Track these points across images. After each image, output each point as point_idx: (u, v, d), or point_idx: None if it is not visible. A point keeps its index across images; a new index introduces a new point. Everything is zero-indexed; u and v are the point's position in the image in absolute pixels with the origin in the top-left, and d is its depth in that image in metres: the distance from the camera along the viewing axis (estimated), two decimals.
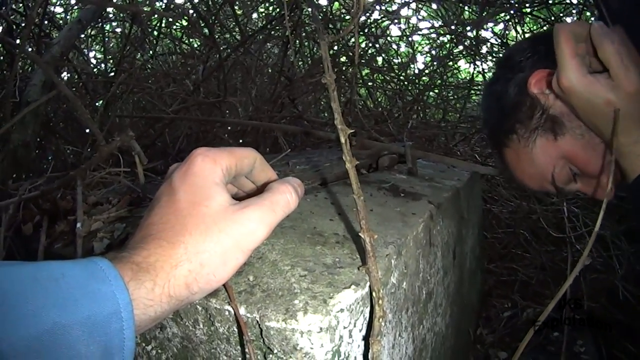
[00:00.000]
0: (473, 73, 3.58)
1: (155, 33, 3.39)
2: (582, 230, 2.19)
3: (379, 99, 3.82)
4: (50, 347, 0.51)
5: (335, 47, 3.14)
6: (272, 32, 3.20)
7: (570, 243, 2.08)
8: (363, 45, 3.48)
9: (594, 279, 2.27)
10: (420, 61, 3.91)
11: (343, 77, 3.18)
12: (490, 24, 3.50)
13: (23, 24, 2.87)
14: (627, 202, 1.25)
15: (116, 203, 1.51)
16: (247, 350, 0.76)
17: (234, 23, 3.35)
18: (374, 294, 0.78)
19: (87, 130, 2.87)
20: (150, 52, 3.47)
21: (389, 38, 3.78)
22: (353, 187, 0.78)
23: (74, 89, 3.04)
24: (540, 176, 1.29)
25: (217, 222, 0.64)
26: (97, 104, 2.90)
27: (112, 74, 3.22)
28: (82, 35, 3.53)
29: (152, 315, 0.60)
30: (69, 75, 3.31)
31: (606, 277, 2.21)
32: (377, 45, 3.53)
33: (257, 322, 0.74)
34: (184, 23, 3.58)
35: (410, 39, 3.79)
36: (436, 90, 3.73)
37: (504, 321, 2.30)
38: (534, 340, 2.17)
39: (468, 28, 3.42)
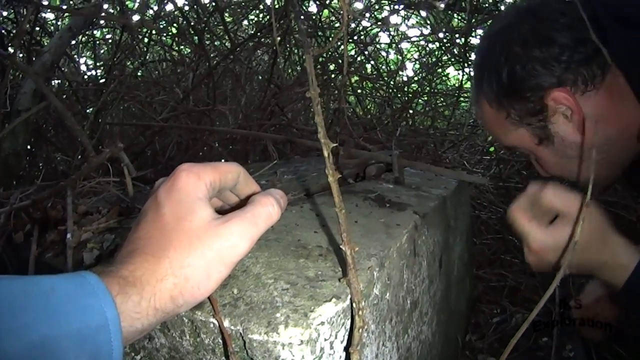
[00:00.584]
0: (462, 80, 3.60)
1: (146, 40, 3.40)
2: None
3: (368, 107, 3.83)
4: (41, 359, 0.53)
5: (325, 55, 3.15)
6: (262, 40, 3.22)
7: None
8: (352, 52, 3.50)
9: (584, 283, 2.28)
10: (410, 68, 3.93)
11: (332, 84, 3.19)
12: (479, 31, 3.53)
13: (14, 32, 2.87)
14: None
15: (106, 213, 1.52)
16: None
17: (223, 31, 3.37)
18: (354, 305, 0.79)
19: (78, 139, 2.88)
20: (141, 59, 3.48)
21: (378, 45, 3.80)
22: (335, 200, 0.79)
23: (65, 96, 3.04)
24: (504, 140, 1.42)
25: (200, 236, 0.66)
26: (87, 111, 2.91)
27: (103, 81, 3.23)
28: (73, 42, 3.54)
29: (139, 327, 0.62)
30: (59, 82, 3.31)
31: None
32: (366, 53, 3.55)
33: (241, 334, 0.76)
34: (174, 31, 3.59)
35: (399, 46, 3.81)
36: (425, 98, 3.74)
37: (493, 327, 2.31)
38: (523, 346, 2.18)
39: (457, 35, 3.44)
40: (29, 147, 2.70)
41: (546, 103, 1.23)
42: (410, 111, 3.49)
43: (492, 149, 3.42)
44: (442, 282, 1.58)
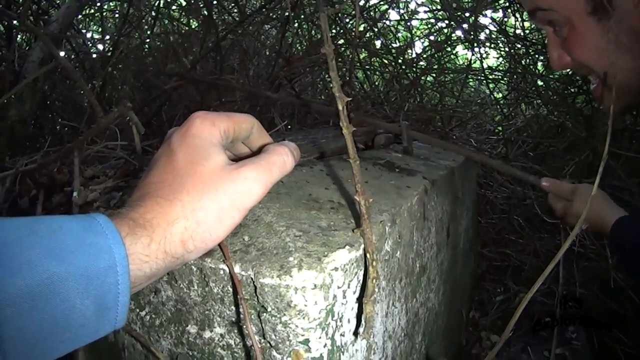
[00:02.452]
0: (470, 59, 3.58)
1: (153, 13, 3.39)
2: None
3: (377, 83, 3.81)
4: (45, 298, 0.52)
5: (334, 30, 3.14)
6: (271, 14, 3.20)
7: (564, 229, 2.09)
8: (361, 28, 3.48)
9: (586, 267, 2.28)
10: (418, 46, 3.91)
11: (340, 60, 3.18)
12: (489, 11, 3.51)
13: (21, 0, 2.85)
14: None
15: (112, 174, 1.51)
16: (241, 309, 0.77)
17: (233, 4, 3.35)
18: (368, 255, 0.78)
19: (85, 104, 2.88)
20: (148, 32, 3.46)
21: (387, 22, 3.78)
22: (349, 151, 0.78)
23: (73, 76, 3.03)
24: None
25: (214, 180, 0.65)
26: (94, 82, 2.89)
27: (110, 53, 3.21)
28: (80, 16, 3.53)
29: (147, 272, 0.61)
30: (66, 55, 3.30)
31: (598, 265, 2.22)
32: (376, 29, 3.53)
33: (252, 279, 0.75)
34: (183, 3, 3.58)
35: (408, 23, 3.79)
36: (433, 75, 3.72)
37: (496, 305, 2.31)
38: (526, 325, 2.18)
39: (467, 14, 3.42)
40: (35, 117, 2.69)
41: None
42: (419, 88, 3.47)
43: (499, 128, 3.41)
44: (449, 252, 1.57)
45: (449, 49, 3.80)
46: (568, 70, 1.48)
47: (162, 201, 0.63)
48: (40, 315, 0.52)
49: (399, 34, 3.95)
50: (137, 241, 0.59)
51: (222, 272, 0.80)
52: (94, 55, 3.38)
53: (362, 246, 0.82)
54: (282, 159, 0.71)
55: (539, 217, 2.42)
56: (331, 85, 0.78)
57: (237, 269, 0.77)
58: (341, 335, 0.81)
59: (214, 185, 0.64)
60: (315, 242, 0.81)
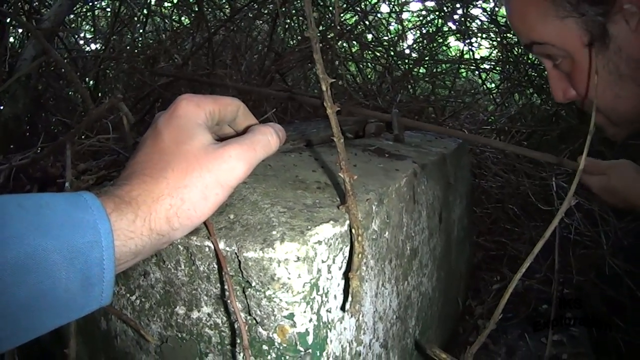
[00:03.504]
0: (462, 50, 3.59)
1: (145, 11, 3.39)
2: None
3: (369, 76, 3.82)
4: (30, 272, 0.52)
5: (323, 24, 3.14)
6: (262, 9, 3.20)
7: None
8: (352, 21, 3.49)
9: (583, 254, 2.28)
10: (410, 38, 3.91)
11: (330, 52, 3.18)
12: (480, 1, 3.52)
13: None
14: None
15: (104, 166, 1.52)
16: (226, 286, 0.77)
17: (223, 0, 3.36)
18: (353, 230, 0.79)
19: (79, 103, 2.88)
20: (140, 30, 3.47)
21: (378, 15, 3.78)
22: (333, 130, 0.78)
23: (64, 70, 3.03)
24: (535, 31, 1.05)
25: (199, 159, 0.66)
26: (86, 80, 2.90)
27: (102, 51, 3.22)
28: (72, 15, 3.53)
29: (133, 248, 0.61)
30: (58, 53, 3.30)
31: (595, 252, 2.22)
32: (367, 22, 3.53)
33: (236, 254, 0.75)
34: (174, 0, 3.58)
35: (400, 16, 3.79)
36: (426, 66, 3.72)
37: (493, 293, 2.31)
38: (523, 312, 2.19)
39: (457, 5, 3.42)
40: (28, 116, 2.70)
41: None
42: (411, 80, 3.48)
43: (492, 118, 3.41)
44: (442, 238, 1.57)
45: (440, 40, 3.81)
46: None
47: (147, 179, 0.64)
48: (26, 289, 0.52)
49: (391, 27, 3.95)
50: (122, 217, 0.60)
51: (207, 249, 0.80)
52: (87, 55, 3.39)
53: (347, 222, 0.82)
54: (266, 138, 0.72)
55: (533, 205, 2.43)
56: (315, 68, 0.78)
57: (221, 245, 0.77)
58: (327, 311, 0.82)
59: (199, 164, 0.65)
60: (299, 218, 0.81)
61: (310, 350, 0.78)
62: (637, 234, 2.17)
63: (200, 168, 0.65)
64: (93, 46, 3.68)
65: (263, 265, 0.73)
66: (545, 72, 1.12)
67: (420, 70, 3.71)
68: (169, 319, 0.91)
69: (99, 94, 3.08)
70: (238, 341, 0.82)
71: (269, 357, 0.79)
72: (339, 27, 3.11)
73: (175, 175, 0.64)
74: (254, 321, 0.78)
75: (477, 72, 3.71)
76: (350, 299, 0.76)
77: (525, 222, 2.61)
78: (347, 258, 0.84)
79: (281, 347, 0.77)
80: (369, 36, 3.70)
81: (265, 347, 0.79)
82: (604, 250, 2.09)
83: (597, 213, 2.23)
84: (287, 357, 0.78)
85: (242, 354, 0.81)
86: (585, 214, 2.28)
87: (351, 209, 0.79)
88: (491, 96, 3.64)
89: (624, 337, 1.79)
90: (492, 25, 3.53)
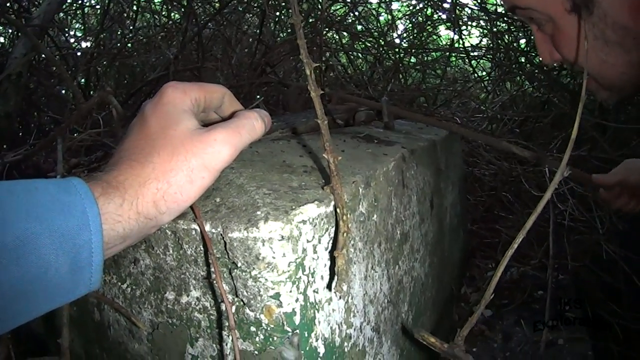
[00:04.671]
0: (453, 38, 3.59)
1: (135, 7, 3.39)
2: (563, 188, 2.20)
3: (360, 67, 3.82)
4: (20, 255, 0.53)
5: (313, 15, 3.14)
6: (252, 2, 3.21)
7: (552, 203, 2.10)
8: (342, 12, 3.49)
9: (578, 240, 2.29)
10: (400, 28, 3.92)
11: (319, 43, 3.19)
12: None
13: None
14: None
15: (94, 160, 1.52)
16: (212, 268, 0.77)
17: None
18: (338, 210, 0.79)
19: (70, 98, 2.88)
20: (130, 27, 3.47)
21: (368, 5, 3.78)
22: (317, 112, 0.79)
23: (54, 66, 3.03)
24: None
25: (185, 143, 0.67)
26: (76, 77, 2.89)
27: (92, 48, 3.22)
28: (62, 14, 3.53)
29: (121, 232, 0.62)
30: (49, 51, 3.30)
31: (590, 237, 2.22)
32: (357, 13, 3.54)
33: (221, 235, 0.76)
34: None
35: (389, 5, 3.79)
36: (416, 55, 3.72)
37: (488, 281, 2.32)
38: (518, 298, 2.20)
39: None
40: (20, 115, 2.70)
41: None
42: (402, 71, 3.48)
43: (484, 106, 3.42)
44: (434, 224, 1.58)
45: (430, 29, 3.81)
46: None
47: (134, 164, 0.65)
48: (16, 273, 0.53)
49: (381, 17, 3.95)
50: (110, 201, 0.61)
51: (194, 232, 0.80)
52: (78, 54, 3.39)
53: (333, 203, 0.83)
54: (251, 123, 0.74)
55: (527, 193, 2.43)
56: (300, 53, 0.78)
57: (207, 227, 0.78)
58: (315, 292, 0.82)
59: (185, 148, 0.66)
60: (284, 199, 0.82)
61: (298, 331, 0.78)
62: (631, 219, 2.17)
63: (186, 152, 0.66)
64: (83, 44, 3.68)
65: (248, 245, 0.73)
66: (537, 59, 1.11)
67: (411, 60, 3.72)
68: (160, 305, 0.91)
69: (90, 92, 3.09)
70: (226, 324, 0.82)
71: (256, 338, 0.79)
72: (328, 17, 3.11)
73: (161, 160, 0.65)
74: (241, 302, 0.78)
75: (467, 61, 3.71)
76: (336, 278, 0.76)
77: (519, 209, 2.62)
78: (333, 238, 0.85)
79: (268, 328, 0.78)
80: (359, 27, 3.71)
81: (253, 328, 0.79)
82: (599, 235, 2.10)
83: (591, 198, 2.23)
84: (275, 338, 0.78)
85: (230, 336, 0.82)
86: (580, 200, 2.29)
87: (336, 188, 0.79)
88: (482, 84, 3.64)
89: (619, 323, 1.80)
90: (482, 14, 3.53)
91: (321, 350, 0.85)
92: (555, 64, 1.14)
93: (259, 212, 0.76)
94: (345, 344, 0.94)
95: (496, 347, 1.97)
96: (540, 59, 1.12)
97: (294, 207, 0.78)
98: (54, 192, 0.58)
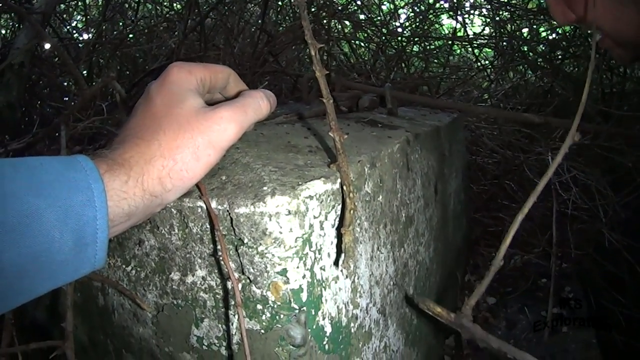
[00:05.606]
0: (455, 27, 3.57)
1: None
2: (566, 176, 2.20)
3: (363, 56, 3.81)
4: (25, 230, 0.53)
5: (315, 4, 3.13)
6: None
7: (556, 191, 2.10)
8: (344, 1, 3.49)
9: (581, 229, 2.28)
10: (403, 17, 3.90)
11: (323, 32, 3.18)
12: None
13: None
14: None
15: (98, 147, 1.52)
16: (218, 245, 0.77)
17: None
18: (344, 187, 0.79)
19: (72, 88, 2.88)
20: (132, 18, 3.47)
21: None
22: (322, 92, 0.79)
23: (56, 56, 3.03)
24: None
25: (190, 121, 0.67)
26: (79, 68, 2.89)
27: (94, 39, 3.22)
28: (63, 6, 3.53)
29: (126, 209, 0.62)
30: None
31: (593, 226, 2.22)
32: (359, 2, 3.53)
33: (228, 211, 0.75)
34: None
35: None
36: (419, 44, 3.71)
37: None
38: (522, 286, 2.20)
39: None
40: (23, 106, 2.70)
41: None
42: (405, 59, 3.47)
43: (487, 95, 3.41)
44: (439, 210, 1.57)
45: (433, 17, 3.80)
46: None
47: (140, 142, 0.65)
48: (21, 248, 0.53)
49: (383, 6, 3.94)
50: (115, 178, 0.61)
51: (199, 210, 0.80)
52: (79, 43, 3.39)
53: (339, 180, 0.82)
54: (256, 102, 0.74)
55: (530, 181, 2.43)
56: (304, 32, 0.78)
57: (213, 204, 0.77)
58: (321, 269, 0.82)
59: (190, 125, 0.67)
60: (290, 176, 0.81)
61: (305, 308, 0.78)
62: (635, 208, 2.17)
63: (192, 130, 0.66)
64: (85, 36, 3.68)
65: (254, 220, 0.73)
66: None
67: (414, 49, 3.71)
68: (164, 286, 0.91)
69: (92, 84, 3.09)
70: (232, 303, 0.82)
71: (263, 317, 0.79)
72: (330, 5, 3.10)
73: (167, 137, 0.65)
74: (248, 280, 0.78)
75: (470, 49, 3.70)
76: (343, 255, 0.76)
77: (523, 197, 2.61)
78: (339, 216, 0.84)
79: (275, 306, 0.77)
80: (362, 16, 3.70)
81: (259, 306, 0.79)
82: (602, 224, 2.10)
83: (594, 187, 2.23)
84: (282, 316, 0.78)
85: (236, 316, 0.81)
86: (583, 189, 2.28)
87: (342, 166, 0.79)
88: (485, 73, 3.63)
89: (622, 311, 1.80)
90: (485, 2, 3.52)
91: (328, 329, 0.85)
92: (569, 25, 1.10)
93: (265, 188, 0.76)
94: (352, 324, 0.93)
95: (500, 334, 1.97)
96: (554, 18, 1.09)
97: (300, 182, 0.77)
98: (59, 169, 0.58)
